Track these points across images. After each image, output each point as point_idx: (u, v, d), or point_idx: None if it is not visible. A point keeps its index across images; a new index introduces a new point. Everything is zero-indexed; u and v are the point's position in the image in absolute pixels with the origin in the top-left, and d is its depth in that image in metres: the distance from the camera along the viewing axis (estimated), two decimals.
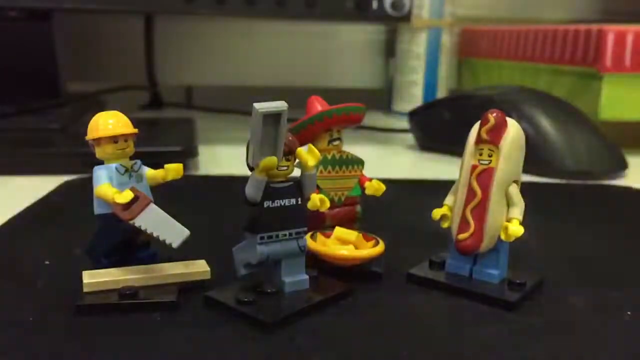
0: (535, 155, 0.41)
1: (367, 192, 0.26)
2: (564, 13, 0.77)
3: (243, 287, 0.21)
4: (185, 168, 0.24)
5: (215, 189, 0.36)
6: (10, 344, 0.18)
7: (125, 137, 0.22)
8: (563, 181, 0.40)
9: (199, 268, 0.22)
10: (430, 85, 0.69)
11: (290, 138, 0.21)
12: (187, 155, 0.40)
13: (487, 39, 0.67)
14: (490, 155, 0.23)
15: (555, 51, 0.53)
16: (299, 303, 0.20)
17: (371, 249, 0.23)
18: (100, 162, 0.22)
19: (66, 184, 0.35)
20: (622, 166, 0.43)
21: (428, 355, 0.18)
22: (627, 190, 0.38)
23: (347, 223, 0.26)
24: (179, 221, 0.21)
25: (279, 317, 0.19)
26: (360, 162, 0.26)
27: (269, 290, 0.21)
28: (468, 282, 0.22)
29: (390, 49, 0.74)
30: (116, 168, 0.22)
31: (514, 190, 0.22)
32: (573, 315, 0.21)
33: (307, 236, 0.23)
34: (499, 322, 0.20)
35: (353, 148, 0.27)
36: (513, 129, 0.22)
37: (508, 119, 0.22)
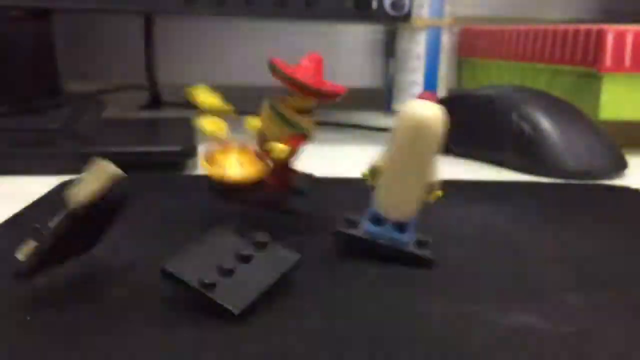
0: (535, 155, 0.41)
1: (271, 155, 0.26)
2: (564, 13, 0.77)
3: (203, 262, 0.20)
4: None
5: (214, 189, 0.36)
6: (7, 342, 0.18)
7: None
8: (563, 181, 0.40)
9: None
10: (430, 85, 0.69)
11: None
12: (186, 155, 0.40)
13: (487, 38, 0.67)
14: None
15: (555, 51, 0.53)
16: (258, 284, 0.20)
17: (260, 168, 0.24)
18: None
19: (66, 184, 0.35)
20: (622, 166, 0.43)
21: (395, 322, 0.18)
22: (627, 190, 0.38)
23: (283, 186, 0.26)
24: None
25: (245, 305, 0.19)
26: (299, 128, 0.26)
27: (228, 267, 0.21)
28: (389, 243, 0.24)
29: (390, 49, 0.74)
30: None
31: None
32: (573, 315, 0.21)
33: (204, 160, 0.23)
34: (493, 322, 0.20)
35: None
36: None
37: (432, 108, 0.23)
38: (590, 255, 0.27)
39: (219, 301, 0.19)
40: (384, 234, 0.24)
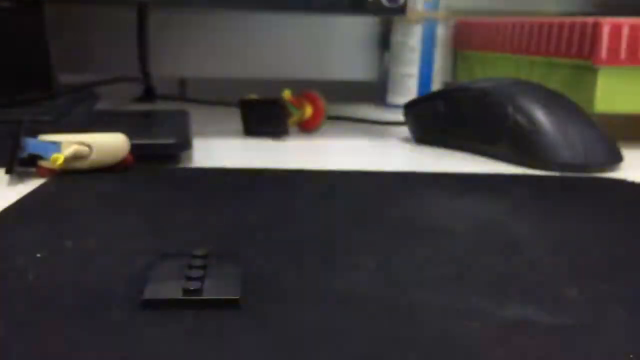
0: (531, 148, 0.41)
1: None
2: (560, 5, 0.77)
3: (172, 279, 0.21)
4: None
5: (208, 182, 0.36)
6: (1, 338, 0.18)
7: None
8: (558, 174, 0.40)
9: None
10: (425, 77, 0.68)
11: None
12: (180, 147, 0.40)
13: (482, 31, 0.67)
14: None
15: (551, 44, 0.53)
16: (234, 269, 0.21)
17: None
18: None
19: (57, 176, 0.35)
20: (617, 159, 0.43)
21: None
22: (622, 182, 0.38)
23: None
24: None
25: (240, 288, 0.20)
26: None
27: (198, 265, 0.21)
28: None
29: (385, 42, 0.74)
30: None
31: None
32: (570, 308, 0.21)
33: None
34: (488, 316, 0.20)
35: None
36: None
37: None
38: (586, 248, 0.27)
39: (216, 297, 0.19)
40: None
